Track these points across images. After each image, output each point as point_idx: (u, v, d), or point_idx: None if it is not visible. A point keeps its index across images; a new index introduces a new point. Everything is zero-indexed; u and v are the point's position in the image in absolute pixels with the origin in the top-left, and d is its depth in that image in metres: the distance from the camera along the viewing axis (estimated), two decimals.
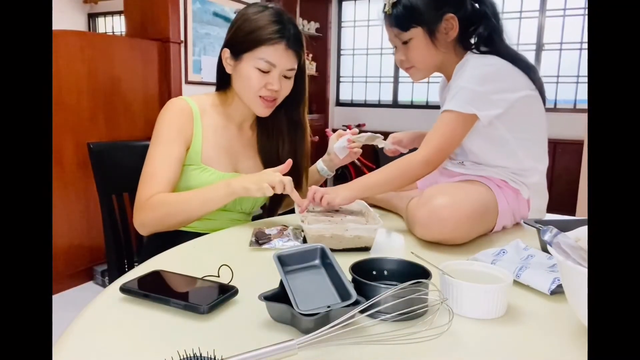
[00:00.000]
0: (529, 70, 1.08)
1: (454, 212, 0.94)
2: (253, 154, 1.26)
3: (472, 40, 1.13)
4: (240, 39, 1.13)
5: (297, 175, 1.24)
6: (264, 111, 1.17)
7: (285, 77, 1.16)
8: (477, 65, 1.06)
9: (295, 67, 1.16)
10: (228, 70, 1.17)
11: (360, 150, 1.28)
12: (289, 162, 1.06)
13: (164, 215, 1.06)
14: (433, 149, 1.05)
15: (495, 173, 1.10)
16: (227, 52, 1.16)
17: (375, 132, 1.29)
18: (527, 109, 1.09)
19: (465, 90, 1.04)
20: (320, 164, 1.34)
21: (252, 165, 1.24)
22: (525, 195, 1.11)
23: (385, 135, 1.33)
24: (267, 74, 1.12)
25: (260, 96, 1.14)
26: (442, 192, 0.99)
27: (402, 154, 1.28)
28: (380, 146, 1.28)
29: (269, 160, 1.25)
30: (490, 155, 1.12)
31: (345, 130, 1.34)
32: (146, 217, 1.06)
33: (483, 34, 1.10)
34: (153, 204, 1.05)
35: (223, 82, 1.22)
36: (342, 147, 1.26)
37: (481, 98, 1.03)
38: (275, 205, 1.33)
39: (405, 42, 1.12)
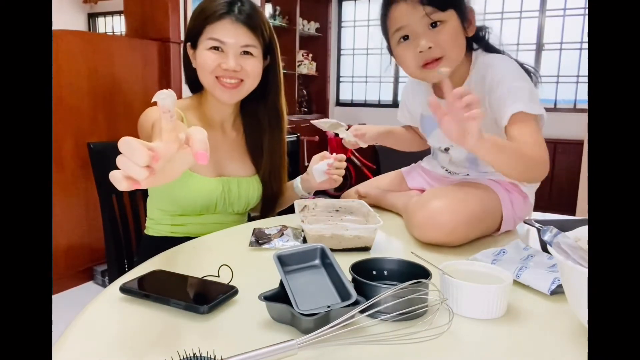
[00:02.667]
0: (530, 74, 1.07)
1: (451, 216, 0.92)
2: (239, 155, 1.22)
3: (474, 45, 1.09)
4: (192, 26, 1.11)
5: (276, 169, 1.23)
6: (225, 95, 1.10)
7: (246, 54, 1.09)
8: (505, 61, 1.01)
9: (253, 43, 1.09)
10: (194, 64, 1.13)
11: (341, 179, 1.17)
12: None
13: None
14: (542, 150, 0.92)
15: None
16: (189, 47, 1.14)
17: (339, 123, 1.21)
18: None
19: (521, 89, 0.96)
20: (297, 180, 1.27)
21: (239, 167, 1.21)
22: (532, 200, 1.11)
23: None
24: (221, 53, 1.07)
25: (217, 78, 1.08)
26: (439, 196, 0.97)
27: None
28: (341, 136, 1.20)
29: (256, 156, 1.22)
30: None
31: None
32: None
33: (487, 38, 1.07)
34: None
35: (193, 82, 1.18)
36: (321, 170, 1.16)
37: (535, 96, 0.97)
38: (267, 209, 1.28)
39: (434, 25, 0.96)
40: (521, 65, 1.03)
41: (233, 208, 1.20)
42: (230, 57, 1.07)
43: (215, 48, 1.07)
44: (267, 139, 1.21)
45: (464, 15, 0.99)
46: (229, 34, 1.06)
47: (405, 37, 0.99)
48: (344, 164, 1.17)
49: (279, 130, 1.23)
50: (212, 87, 1.10)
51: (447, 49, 0.97)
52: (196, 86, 1.18)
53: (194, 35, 1.10)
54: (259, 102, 1.19)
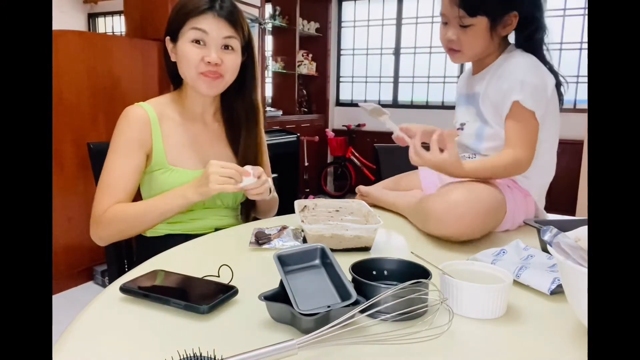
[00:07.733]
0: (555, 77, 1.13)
1: (471, 207, 0.95)
2: (223, 146, 1.23)
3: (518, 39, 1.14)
4: (173, 19, 1.13)
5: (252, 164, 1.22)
6: (207, 89, 1.12)
7: (227, 47, 1.12)
8: (525, 57, 1.09)
9: (234, 35, 1.12)
10: (173, 58, 1.16)
11: (262, 193, 1.06)
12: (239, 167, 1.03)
13: (119, 231, 1.08)
14: (522, 149, 1.05)
15: None
16: (168, 40, 1.16)
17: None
18: (550, 111, 1.13)
19: (528, 84, 1.06)
20: None
21: (223, 157, 1.19)
22: (536, 197, 1.13)
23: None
24: (203, 46, 1.10)
25: (201, 73, 1.10)
26: (458, 188, 0.99)
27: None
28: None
29: (237, 149, 1.23)
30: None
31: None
32: (102, 232, 1.08)
33: (537, 38, 1.11)
34: (108, 219, 1.05)
35: (174, 76, 1.20)
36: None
37: (540, 95, 1.06)
38: (248, 207, 1.27)
39: (464, 26, 1.08)
40: (551, 67, 1.11)
41: (222, 200, 1.20)
42: (212, 50, 1.09)
43: (197, 42, 1.10)
44: (243, 133, 1.23)
45: (496, 21, 1.08)
46: (211, 26, 1.10)
47: (445, 22, 1.15)
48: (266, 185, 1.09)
49: (254, 125, 1.24)
50: (194, 79, 1.12)
51: (465, 47, 1.11)
52: (175, 81, 1.21)
53: (174, 28, 1.13)
54: (237, 97, 1.22)
